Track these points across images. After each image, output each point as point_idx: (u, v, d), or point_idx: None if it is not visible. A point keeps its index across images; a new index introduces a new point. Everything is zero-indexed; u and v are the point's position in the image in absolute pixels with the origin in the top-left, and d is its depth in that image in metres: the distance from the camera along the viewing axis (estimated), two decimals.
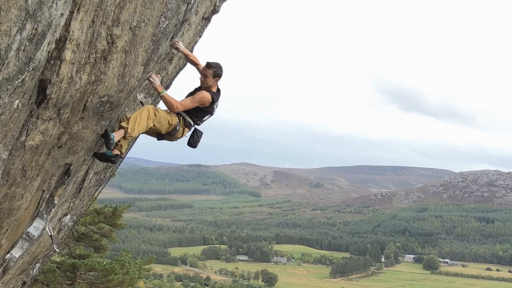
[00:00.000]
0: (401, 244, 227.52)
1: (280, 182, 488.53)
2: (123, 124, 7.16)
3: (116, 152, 7.43)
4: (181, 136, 8.04)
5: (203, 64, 8.21)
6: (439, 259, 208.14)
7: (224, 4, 9.95)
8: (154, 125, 7.47)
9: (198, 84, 8.12)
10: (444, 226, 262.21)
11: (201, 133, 8.40)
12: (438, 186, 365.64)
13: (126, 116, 7.30)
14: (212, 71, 7.90)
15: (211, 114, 8.23)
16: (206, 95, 7.87)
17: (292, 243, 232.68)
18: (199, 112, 8.00)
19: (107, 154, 7.35)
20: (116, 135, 7.08)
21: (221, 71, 8.04)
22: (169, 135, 7.84)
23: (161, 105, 8.47)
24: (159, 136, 7.98)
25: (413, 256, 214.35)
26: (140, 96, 6.93)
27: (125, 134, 7.17)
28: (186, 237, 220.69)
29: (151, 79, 7.36)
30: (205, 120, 8.24)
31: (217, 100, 8.08)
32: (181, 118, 7.88)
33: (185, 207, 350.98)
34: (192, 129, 8.17)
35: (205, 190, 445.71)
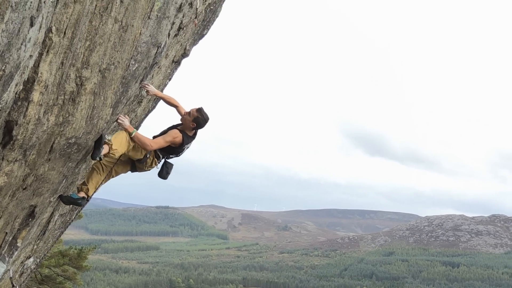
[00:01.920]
0: None
1: (248, 224, 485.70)
2: (107, 141, 7.13)
3: (82, 194, 7.38)
4: (151, 166, 8.04)
5: (181, 104, 8.32)
6: None
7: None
8: (128, 149, 7.49)
9: (167, 125, 8.17)
10: (411, 270, 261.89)
11: (172, 165, 8.35)
12: (404, 230, 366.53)
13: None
14: (196, 115, 7.97)
15: (177, 155, 8.23)
16: (178, 136, 7.90)
17: (259, 286, 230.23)
18: (167, 149, 8.01)
19: (73, 197, 7.30)
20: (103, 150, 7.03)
21: (203, 123, 8.10)
22: (139, 162, 7.83)
23: None
24: (132, 167, 8.01)
25: None
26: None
27: (109, 150, 7.12)
28: (152, 280, 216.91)
29: (119, 120, 7.33)
30: (171, 158, 8.25)
31: (188, 143, 8.10)
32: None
33: (152, 249, 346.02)
34: (162, 161, 8.17)
35: (172, 232, 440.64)
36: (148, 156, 7.80)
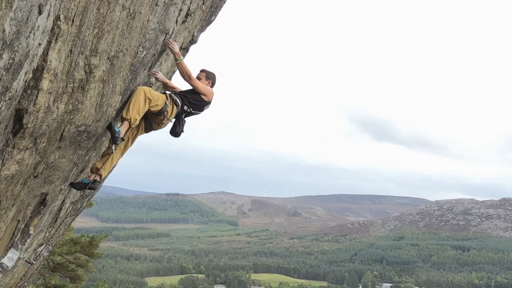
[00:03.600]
0: (379, 272, 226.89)
1: (257, 211, 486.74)
2: (124, 115, 7.03)
3: (93, 177, 7.27)
4: (170, 115, 7.79)
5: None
6: (416, 287, 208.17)
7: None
8: (150, 104, 7.28)
9: None
10: (421, 254, 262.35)
11: (185, 122, 8.21)
12: (414, 215, 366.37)
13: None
14: (204, 73, 8.20)
15: (197, 112, 8.19)
16: (211, 90, 8.15)
17: (270, 272, 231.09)
18: (196, 101, 8.01)
19: (85, 182, 7.24)
20: (122, 129, 6.96)
21: (214, 76, 8.31)
22: (158, 114, 7.58)
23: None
24: (147, 127, 7.83)
25: (390, 284, 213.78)
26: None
27: (129, 125, 7.05)
28: (163, 267, 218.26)
29: (171, 45, 7.35)
30: (191, 112, 8.13)
31: (211, 102, 8.25)
32: (167, 95, 7.79)
33: (163, 236, 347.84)
34: (178, 108, 7.89)
35: (182, 219, 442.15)
36: (167, 103, 7.59)
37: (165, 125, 7.99)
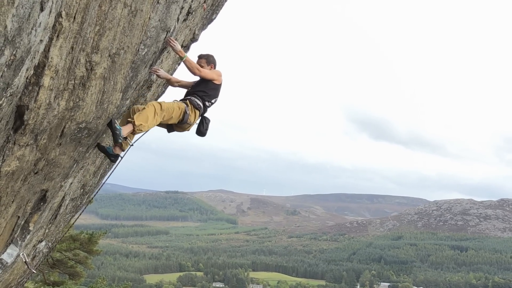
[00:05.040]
0: (377, 272, 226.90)
1: (256, 209, 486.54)
2: (129, 118, 7.02)
3: (118, 152, 7.14)
4: (194, 121, 7.89)
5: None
6: (414, 287, 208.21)
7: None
8: (163, 119, 7.32)
9: None
10: (419, 254, 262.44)
11: (209, 120, 8.29)
12: (413, 215, 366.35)
13: (134, 109, 7.16)
14: (204, 59, 8.12)
15: (214, 101, 8.22)
16: (218, 71, 8.16)
17: (268, 270, 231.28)
18: (211, 89, 8.07)
19: (108, 151, 7.10)
20: (124, 129, 6.85)
21: (213, 58, 8.25)
22: (181, 122, 7.68)
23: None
24: (169, 127, 7.91)
25: (388, 284, 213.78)
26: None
27: (133, 128, 6.98)
28: (162, 264, 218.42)
29: (172, 43, 7.34)
30: (212, 103, 8.21)
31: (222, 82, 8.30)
32: (187, 102, 7.81)
33: (162, 233, 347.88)
34: (200, 111, 7.99)
35: (182, 217, 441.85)
36: (187, 112, 7.64)
37: (190, 128, 8.07)
